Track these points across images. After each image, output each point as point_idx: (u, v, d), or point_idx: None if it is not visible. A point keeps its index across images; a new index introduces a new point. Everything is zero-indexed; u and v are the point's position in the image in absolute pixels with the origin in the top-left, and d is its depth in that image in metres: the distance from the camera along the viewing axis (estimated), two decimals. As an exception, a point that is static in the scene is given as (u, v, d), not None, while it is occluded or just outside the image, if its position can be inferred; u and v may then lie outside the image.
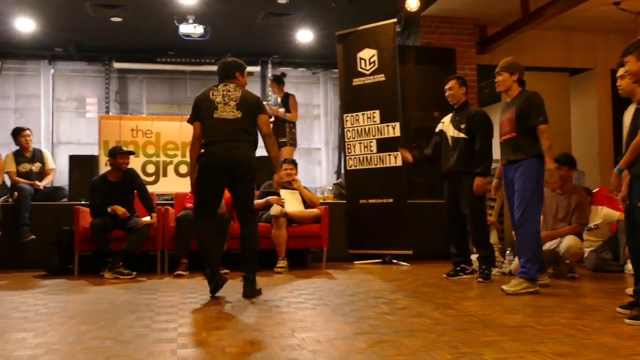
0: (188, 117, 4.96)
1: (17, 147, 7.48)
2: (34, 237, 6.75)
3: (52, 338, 3.25)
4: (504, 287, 4.77)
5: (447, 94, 5.86)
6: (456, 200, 5.75)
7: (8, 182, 7.32)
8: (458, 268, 5.83)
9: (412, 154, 6.08)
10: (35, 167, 7.41)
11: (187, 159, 7.87)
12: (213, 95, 4.81)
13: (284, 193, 6.93)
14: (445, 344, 3.01)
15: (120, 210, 6.21)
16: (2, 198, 6.93)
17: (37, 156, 7.50)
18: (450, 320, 3.63)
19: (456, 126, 5.75)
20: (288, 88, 8.56)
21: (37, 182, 7.22)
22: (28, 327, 3.56)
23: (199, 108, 4.83)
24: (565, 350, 2.87)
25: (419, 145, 6.59)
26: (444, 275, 5.84)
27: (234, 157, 4.65)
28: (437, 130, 6.01)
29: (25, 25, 9.67)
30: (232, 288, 5.05)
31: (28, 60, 11.89)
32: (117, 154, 6.48)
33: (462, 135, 5.69)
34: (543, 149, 4.75)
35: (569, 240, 5.72)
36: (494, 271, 5.89)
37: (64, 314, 4.02)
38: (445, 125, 5.89)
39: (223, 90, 4.82)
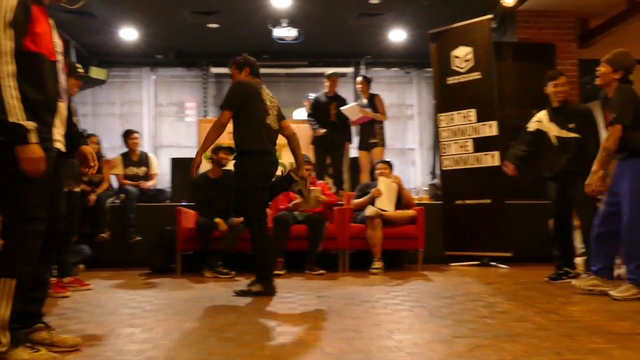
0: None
1: (124, 150, 7.85)
2: (140, 238, 7.07)
3: (158, 334, 3.39)
4: (612, 292, 4.54)
5: (558, 89, 5.59)
6: (566, 202, 5.55)
7: (115, 184, 7.70)
8: (561, 271, 5.61)
9: (513, 168, 5.84)
10: (141, 171, 7.74)
11: (284, 160, 7.98)
12: (264, 96, 4.89)
13: (382, 181, 6.92)
14: (549, 350, 2.90)
15: (223, 226, 6.38)
16: (110, 200, 7.29)
17: (144, 160, 7.82)
18: (553, 326, 3.50)
19: (562, 125, 5.53)
20: (382, 88, 8.53)
21: (143, 181, 7.57)
22: (136, 323, 3.72)
23: (246, 101, 4.80)
24: (682, 360, 2.71)
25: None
26: (546, 279, 5.64)
27: (276, 167, 4.94)
28: (531, 129, 5.76)
29: (128, 34, 10.19)
30: (328, 288, 5.09)
31: (132, 68, 12.48)
32: (220, 150, 6.74)
33: (572, 134, 5.47)
34: (601, 147, 4.56)
35: None
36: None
37: (168, 311, 4.18)
38: (545, 124, 5.66)
39: (267, 94, 4.94)
